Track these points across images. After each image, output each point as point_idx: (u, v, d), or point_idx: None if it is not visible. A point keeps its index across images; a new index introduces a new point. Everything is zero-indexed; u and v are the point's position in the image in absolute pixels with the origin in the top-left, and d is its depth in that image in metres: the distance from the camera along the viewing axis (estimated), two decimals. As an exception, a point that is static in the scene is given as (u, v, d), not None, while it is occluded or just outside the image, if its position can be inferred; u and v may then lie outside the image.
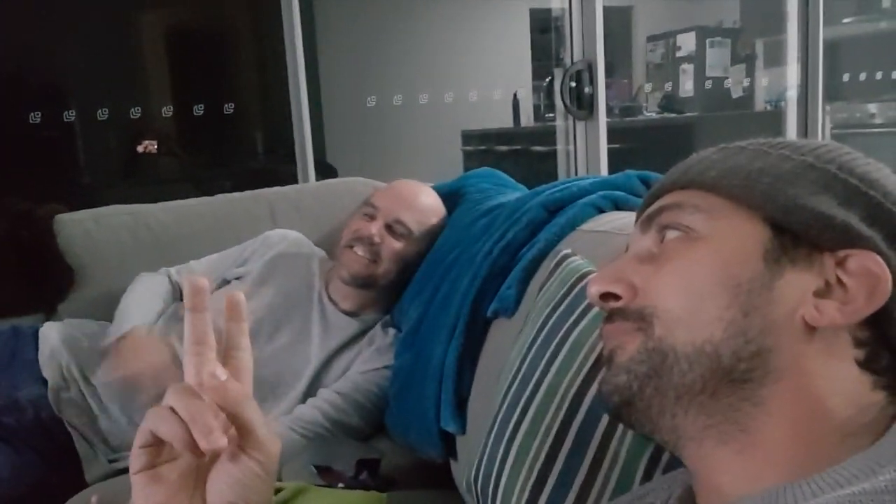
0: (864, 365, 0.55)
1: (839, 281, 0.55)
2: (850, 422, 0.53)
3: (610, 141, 2.74)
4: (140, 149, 3.24)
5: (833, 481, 0.48)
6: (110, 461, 1.54)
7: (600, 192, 1.34)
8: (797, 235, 0.56)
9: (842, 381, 0.54)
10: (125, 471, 1.49)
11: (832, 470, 0.50)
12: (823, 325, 0.54)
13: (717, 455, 0.55)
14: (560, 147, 3.05)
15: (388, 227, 1.69)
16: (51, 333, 1.68)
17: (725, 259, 0.56)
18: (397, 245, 1.69)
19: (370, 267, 1.68)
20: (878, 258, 0.54)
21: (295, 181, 2.54)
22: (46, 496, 1.44)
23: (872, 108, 4.00)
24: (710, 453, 0.56)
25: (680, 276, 0.58)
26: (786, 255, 0.56)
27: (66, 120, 2.67)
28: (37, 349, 1.64)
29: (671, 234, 0.60)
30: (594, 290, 0.62)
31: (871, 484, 0.45)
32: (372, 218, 1.70)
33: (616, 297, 0.60)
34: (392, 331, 1.69)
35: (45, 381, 1.58)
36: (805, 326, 0.54)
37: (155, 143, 3.25)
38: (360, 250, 1.67)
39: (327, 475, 1.28)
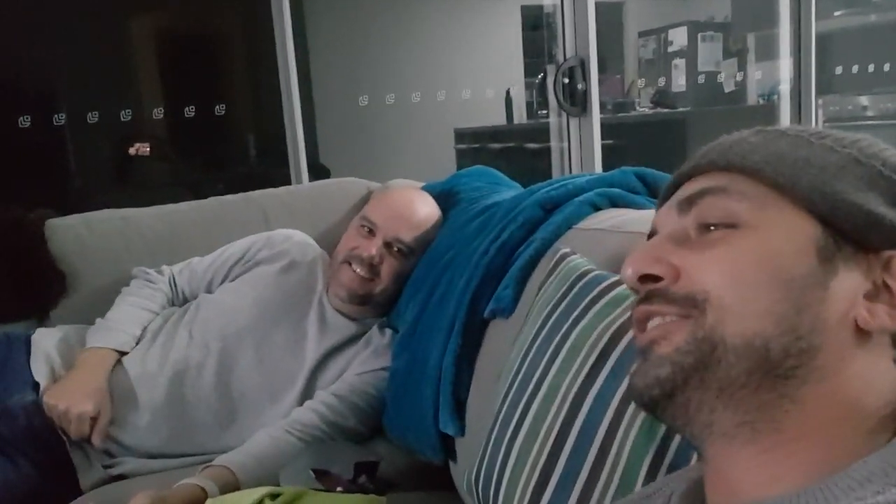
0: None
1: (884, 283, 0.54)
2: (874, 416, 0.52)
3: (603, 137, 2.74)
4: (132, 151, 3.23)
5: (846, 485, 0.48)
6: (105, 467, 1.53)
7: (597, 190, 1.33)
8: (844, 233, 0.55)
9: (878, 380, 0.53)
10: (121, 477, 1.51)
11: (845, 473, 0.49)
12: (875, 328, 0.53)
13: (743, 453, 0.54)
14: (554, 144, 3.04)
15: (388, 245, 1.67)
16: (44, 339, 1.66)
17: (777, 252, 0.55)
18: (397, 263, 1.67)
19: (367, 285, 1.66)
20: None
21: (288, 182, 2.53)
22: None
23: (864, 100, 4.00)
24: (738, 451, 0.54)
25: (730, 262, 0.55)
26: (839, 253, 0.54)
27: (55, 123, 2.65)
28: (28, 355, 1.62)
29: (716, 226, 0.58)
30: (631, 272, 0.59)
31: (885, 497, 0.45)
32: (370, 233, 1.67)
33: (655, 279, 0.58)
34: (389, 332, 1.68)
35: (36, 388, 1.56)
36: (855, 328, 0.53)
37: (147, 145, 3.23)
38: (358, 268, 1.65)
39: (325, 479, 1.27)
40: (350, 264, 1.66)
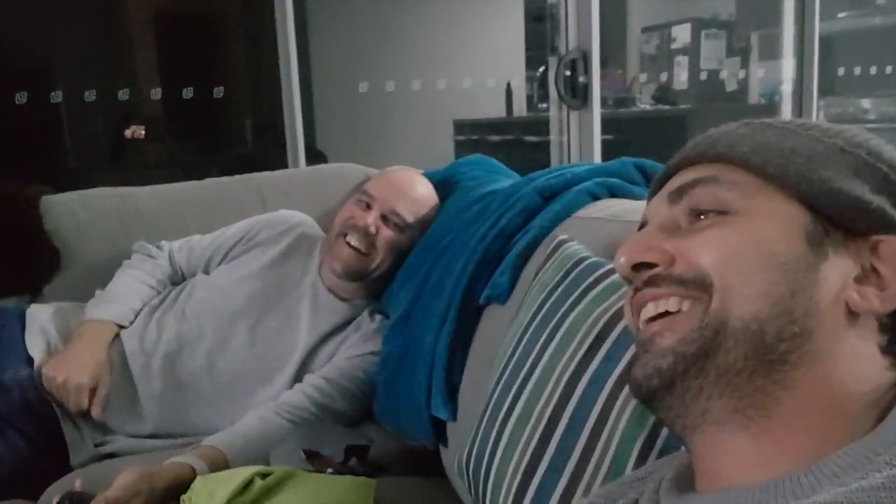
0: (885, 350, 0.55)
1: (872, 267, 0.55)
2: (860, 401, 0.53)
3: (603, 132, 2.73)
4: (128, 133, 3.21)
5: (830, 472, 0.48)
6: (97, 445, 1.53)
7: (595, 179, 1.33)
8: (832, 219, 0.56)
9: (864, 365, 0.54)
10: (111, 455, 1.50)
11: (829, 459, 0.49)
12: (865, 310, 0.54)
13: (733, 440, 0.55)
14: (553, 137, 3.04)
15: (384, 218, 1.65)
16: (39, 314, 1.66)
17: (768, 236, 0.56)
18: (393, 236, 1.65)
19: (363, 260, 1.64)
20: None
21: (285, 167, 2.52)
22: (30, 480, 1.42)
23: (866, 103, 4.01)
24: (728, 438, 0.55)
25: (723, 243, 0.57)
26: (827, 238, 0.56)
27: (52, 101, 2.64)
28: (22, 329, 1.61)
29: (706, 213, 0.59)
30: (624, 260, 0.61)
31: (869, 481, 0.45)
32: (367, 206, 1.66)
33: (649, 267, 0.59)
34: (379, 317, 1.68)
35: (31, 362, 1.56)
36: (846, 311, 0.54)
37: (143, 128, 3.21)
38: (353, 240, 1.63)
39: (316, 461, 1.27)
40: (346, 237, 1.64)
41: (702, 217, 0.59)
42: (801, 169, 0.57)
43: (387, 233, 1.65)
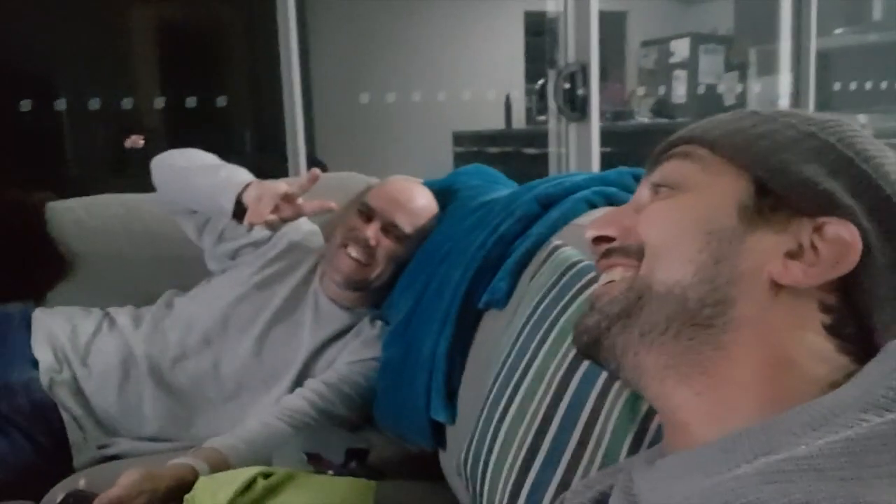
0: (831, 330, 0.56)
1: (812, 245, 0.57)
2: (817, 375, 0.54)
3: (602, 145, 2.74)
4: (128, 144, 3.22)
5: (786, 429, 0.49)
6: (100, 447, 1.54)
7: (593, 188, 1.35)
8: (780, 198, 0.58)
9: (808, 340, 0.56)
10: (114, 457, 1.51)
11: (785, 416, 0.50)
12: (786, 282, 0.56)
13: (678, 394, 0.58)
14: (552, 149, 3.06)
15: (384, 230, 1.67)
16: (45, 317, 1.68)
17: (704, 206, 0.60)
18: (393, 247, 1.67)
19: (363, 270, 1.66)
20: (853, 228, 0.56)
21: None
22: (33, 482, 1.43)
23: (862, 118, 4.03)
24: (672, 392, 0.58)
25: (661, 214, 0.62)
26: (761, 214, 0.58)
27: (56, 109, 2.65)
28: (28, 332, 1.63)
29: (663, 187, 0.64)
30: (588, 234, 0.66)
31: (826, 441, 0.45)
32: (368, 218, 1.68)
33: (609, 240, 0.65)
34: (379, 323, 1.70)
35: (36, 365, 1.57)
36: (771, 283, 0.56)
37: (141, 138, 3.22)
38: (354, 252, 1.65)
39: (317, 462, 1.28)
40: (346, 248, 1.66)
41: (659, 192, 0.64)
42: (760, 151, 0.60)
43: (387, 244, 1.67)
